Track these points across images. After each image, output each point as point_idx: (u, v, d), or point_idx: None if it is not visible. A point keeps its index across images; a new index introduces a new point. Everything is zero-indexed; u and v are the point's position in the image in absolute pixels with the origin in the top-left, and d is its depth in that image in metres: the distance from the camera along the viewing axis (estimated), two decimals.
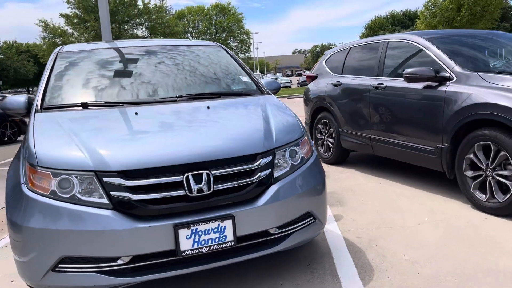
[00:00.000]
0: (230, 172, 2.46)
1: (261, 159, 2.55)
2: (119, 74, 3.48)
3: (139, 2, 31.95)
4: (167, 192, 2.33)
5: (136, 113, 2.86)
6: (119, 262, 2.30)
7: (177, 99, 3.20)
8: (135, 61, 3.67)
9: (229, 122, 2.85)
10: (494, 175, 3.59)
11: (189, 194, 2.34)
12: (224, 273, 2.85)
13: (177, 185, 2.36)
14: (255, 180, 2.50)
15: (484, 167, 3.67)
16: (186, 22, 51.78)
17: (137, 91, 3.31)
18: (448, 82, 4.03)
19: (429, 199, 4.17)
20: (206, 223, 2.34)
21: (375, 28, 50.87)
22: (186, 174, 2.36)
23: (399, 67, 4.78)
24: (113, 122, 2.78)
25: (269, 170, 2.57)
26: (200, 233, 2.34)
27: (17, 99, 3.30)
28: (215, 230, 2.37)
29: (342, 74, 5.79)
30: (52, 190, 2.32)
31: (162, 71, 3.58)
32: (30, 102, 3.29)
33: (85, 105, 3.04)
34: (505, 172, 3.49)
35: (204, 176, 2.39)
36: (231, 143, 2.57)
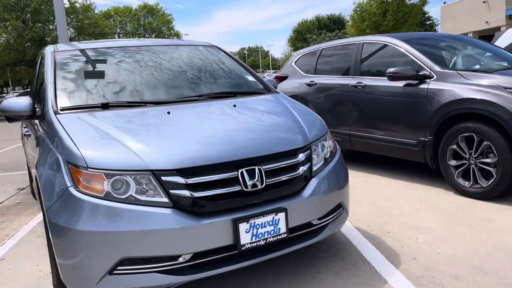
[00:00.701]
0: (277, 167, 2.55)
1: (300, 154, 2.67)
2: (129, 73, 3.41)
3: (65, 1, 30.34)
4: (224, 188, 2.37)
5: (169, 113, 2.85)
6: (180, 260, 2.31)
7: (198, 98, 3.22)
8: (140, 60, 3.61)
9: (264, 120, 2.93)
10: (478, 163, 3.99)
11: (244, 189, 2.40)
12: (258, 268, 2.92)
13: (232, 181, 2.41)
14: (299, 174, 2.61)
15: (467, 156, 4.07)
16: (113, 22, 49.99)
17: (155, 91, 3.28)
18: (429, 80, 4.39)
19: (413, 188, 4.51)
20: (263, 216, 2.42)
21: (302, 31, 52.57)
22: (240, 170, 2.42)
23: (377, 67, 5.10)
24: (150, 121, 2.75)
25: (309, 164, 2.70)
26: (257, 227, 2.41)
27: (19, 101, 3.12)
28: (270, 223, 2.45)
29: (315, 74, 6.03)
30: (106, 192, 2.27)
31: (171, 70, 3.56)
32: (33, 104, 3.14)
33: (105, 106, 2.96)
34: (488, 160, 3.90)
35: (257, 171, 2.46)
36: (274, 139, 2.66)
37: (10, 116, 3.16)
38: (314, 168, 2.73)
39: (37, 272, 3.14)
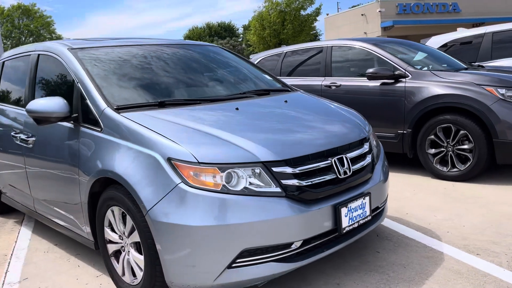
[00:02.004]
0: (356, 155, 2.75)
1: (365, 143, 2.91)
2: (166, 72, 3.33)
3: None
4: (323, 176, 2.51)
5: (237, 108, 2.88)
6: (292, 247, 2.38)
7: (242, 95, 3.26)
8: (168, 59, 3.53)
9: (324, 114, 3.10)
10: (455, 150, 4.60)
11: (338, 176, 2.56)
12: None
13: (327, 169, 2.55)
14: (369, 161, 2.85)
15: (445, 144, 4.66)
16: None
17: (200, 89, 3.25)
18: (404, 79, 4.93)
19: (398, 177, 5.00)
20: (356, 200, 2.60)
21: (193, 37, 52.59)
22: (333, 158, 2.57)
23: (351, 68, 5.54)
24: (227, 117, 2.75)
25: (371, 153, 2.94)
26: (352, 210, 2.58)
27: (53, 101, 2.89)
28: (360, 206, 2.64)
29: (280, 76, 6.30)
30: (222, 185, 2.26)
31: (201, 69, 3.55)
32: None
33: (162, 104, 2.87)
34: (465, 146, 4.52)
35: (345, 159, 2.63)
36: (347, 130, 2.86)
37: (42, 118, 2.90)
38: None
39: (83, 285, 2.91)
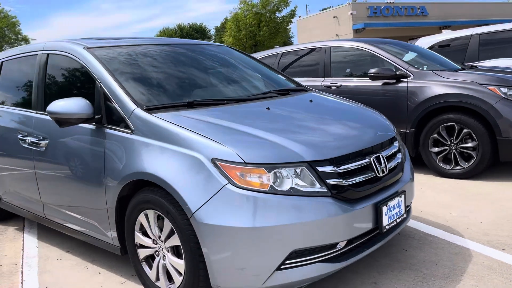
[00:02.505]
0: (390, 154, 2.77)
1: (395, 142, 2.93)
2: (188, 71, 3.26)
3: None
4: (364, 175, 2.50)
5: (268, 108, 2.84)
6: (338, 247, 2.37)
7: (265, 95, 3.23)
8: (184, 58, 3.47)
9: (352, 113, 3.10)
10: (459, 148, 4.70)
11: (377, 174, 2.56)
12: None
13: (366, 168, 2.55)
14: (400, 160, 2.87)
15: (448, 143, 4.75)
16: None
17: (226, 89, 3.20)
18: (406, 79, 5.01)
19: None
20: (393, 199, 2.61)
21: None
22: (371, 157, 2.57)
23: (352, 69, 5.58)
24: (261, 117, 2.71)
25: (401, 151, 2.97)
26: (391, 209, 2.59)
27: (78, 102, 2.78)
28: (397, 204, 2.65)
29: None
30: (270, 186, 2.23)
31: (220, 69, 3.50)
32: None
33: (191, 104, 2.81)
34: (468, 144, 4.62)
35: (382, 157, 2.64)
36: (379, 129, 2.87)
37: (64, 120, 2.79)
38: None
39: None
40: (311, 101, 3.18)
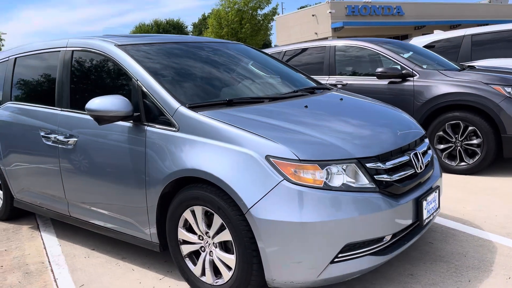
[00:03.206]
0: (424, 150, 2.88)
1: (425, 139, 3.05)
2: (219, 70, 3.30)
3: None
4: (406, 171, 2.60)
5: (306, 106, 2.91)
6: (384, 241, 2.46)
7: (295, 94, 3.30)
8: (213, 57, 3.51)
9: (383, 111, 3.20)
10: (464, 145, 4.88)
11: (416, 170, 2.67)
12: None
13: (406, 164, 2.65)
14: (431, 156, 2.99)
15: (454, 140, 4.93)
16: None
17: (260, 87, 3.25)
18: (412, 78, 5.16)
19: None
20: (430, 194, 2.72)
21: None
22: (410, 154, 2.68)
23: (357, 68, 5.71)
24: (304, 114, 2.78)
25: (430, 148, 3.09)
26: (428, 203, 2.70)
27: (118, 100, 2.77)
28: (433, 199, 2.77)
29: None
30: (325, 182, 2.30)
31: (248, 67, 3.55)
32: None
33: (230, 102, 2.85)
34: (474, 141, 4.81)
35: (419, 154, 2.75)
36: (412, 127, 2.98)
37: (104, 118, 2.79)
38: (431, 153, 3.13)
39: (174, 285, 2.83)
40: (341, 99, 3.26)
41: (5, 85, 4.11)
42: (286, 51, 6.52)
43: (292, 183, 2.27)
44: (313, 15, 35.19)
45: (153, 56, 3.18)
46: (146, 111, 2.83)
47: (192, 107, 2.70)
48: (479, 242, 3.17)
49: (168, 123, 2.70)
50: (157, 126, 2.75)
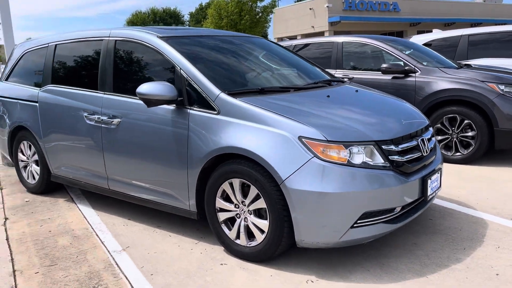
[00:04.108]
0: (428, 137, 3.33)
1: (429, 128, 3.50)
2: (249, 61, 3.71)
3: None
4: (414, 153, 3.05)
5: (328, 96, 3.34)
6: (395, 211, 2.91)
7: (317, 85, 3.73)
8: (242, 49, 3.92)
9: (394, 102, 3.63)
10: (459, 137, 5.35)
11: (423, 154, 3.12)
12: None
13: (415, 148, 3.09)
14: (435, 143, 3.44)
15: (450, 132, 5.40)
16: None
17: (285, 78, 3.67)
18: (413, 74, 5.61)
19: None
20: (434, 174, 3.17)
21: (137, 23, 51.33)
22: (418, 139, 3.12)
23: (363, 63, 6.14)
24: (328, 103, 3.21)
25: (434, 136, 3.53)
26: (431, 182, 3.15)
27: (165, 86, 3.17)
28: (436, 179, 3.22)
29: None
30: (348, 160, 2.74)
31: (273, 60, 3.96)
32: None
33: (262, 91, 3.27)
34: (469, 134, 5.28)
35: (425, 140, 3.20)
36: (418, 116, 3.43)
37: (153, 101, 3.18)
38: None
39: (188, 250, 3.25)
40: (356, 91, 3.69)
41: (45, 69, 4.48)
42: (295, 45, 6.92)
43: (320, 159, 2.70)
44: (310, 9, 35.48)
45: (191, 48, 3.58)
46: (188, 96, 3.23)
47: (231, 94, 3.11)
48: (472, 220, 3.64)
49: (209, 107, 3.11)
50: (199, 109, 3.16)
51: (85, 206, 4.32)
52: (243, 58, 3.86)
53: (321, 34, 34.72)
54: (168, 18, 53.42)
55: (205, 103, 3.14)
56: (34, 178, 4.77)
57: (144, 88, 3.18)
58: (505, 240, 3.23)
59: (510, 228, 3.43)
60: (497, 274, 2.76)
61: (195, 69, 3.25)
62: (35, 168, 4.70)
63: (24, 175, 4.89)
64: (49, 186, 4.69)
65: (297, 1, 39.99)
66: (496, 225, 3.51)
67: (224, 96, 3.08)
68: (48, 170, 4.53)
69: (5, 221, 4.02)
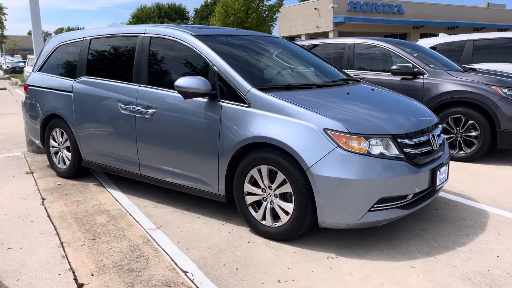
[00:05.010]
0: (438, 134, 3.66)
1: (439, 125, 3.83)
2: (275, 59, 4.03)
3: None
4: (426, 147, 3.38)
5: (348, 93, 3.67)
6: (407, 198, 3.24)
7: (336, 83, 4.05)
8: (268, 49, 4.24)
9: (406, 101, 3.96)
10: (463, 136, 5.68)
11: (433, 148, 3.45)
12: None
13: (426, 143, 3.42)
14: (443, 139, 3.77)
15: (455, 131, 5.73)
16: None
17: (309, 75, 4.01)
18: (422, 76, 5.94)
19: None
20: (442, 167, 3.50)
21: (142, 17, 51.62)
22: (429, 134, 3.45)
23: (373, 64, 6.47)
24: (348, 99, 3.53)
25: (442, 133, 3.86)
26: (440, 174, 3.48)
27: (200, 80, 3.48)
28: (444, 171, 3.55)
29: None
30: (367, 150, 3.06)
31: (295, 58, 4.29)
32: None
33: (288, 87, 3.60)
34: (472, 134, 5.61)
35: (435, 135, 3.53)
36: (429, 114, 3.75)
37: (189, 93, 3.51)
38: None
39: (216, 230, 3.58)
40: (372, 89, 4.02)
41: (80, 61, 4.80)
42: (308, 45, 7.24)
43: (343, 149, 3.03)
44: (315, 9, 35.78)
45: (222, 46, 3.90)
46: (221, 90, 3.55)
47: (261, 89, 3.43)
48: (475, 210, 3.97)
49: (241, 100, 3.43)
50: (230, 102, 3.49)
51: (115, 190, 4.65)
52: (267, 56, 4.19)
53: (325, 34, 35.07)
54: (173, 14, 53.71)
55: (236, 97, 3.46)
56: (65, 163, 5.09)
57: (182, 81, 3.50)
58: (505, 228, 3.56)
59: (510, 219, 3.76)
60: (497, 256, 3.09)
61: (227, 65, 3.57)
62: (66, 154, 5.03)
63: (55, 160, 5.22)
64: (79, 171, 5.01)
65: (302, 1, 40.25)
66: (497, 215, 3.84)
67: (255, 90, 3.40)
68: (79, 156, 4.85)
69: (42, 201, 4.34)
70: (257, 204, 3.48)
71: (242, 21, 25.71)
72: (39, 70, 5.40)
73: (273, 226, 3.36)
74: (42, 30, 6.63)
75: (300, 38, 36.96)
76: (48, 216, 3.93)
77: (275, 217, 3.37)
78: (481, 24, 37.60)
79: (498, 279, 2.77)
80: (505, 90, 5.44)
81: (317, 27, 36.03)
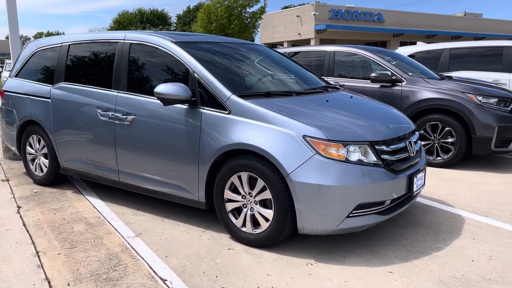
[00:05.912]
0: (415, 140, 3.72)
1: (416, 132, 3.90)
2: (255, 67, 4.05)
3: None
4: (403, 154, 3.43)
5: (327, 101, 3.71)
6: (385, 204, 3.28)
7: (314, 90, 4.10)
8: (250, 56, 4.28)
9: (384, 108, 4.02)
10: (440, 143, 5.79)
11: (410, 154, 3.51)
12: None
13: (403, 149, 3.48)
14: (419, 145, 3.84)
15: (432, 138, 5.84)
16: None
17: (289, 83, 4.04)
18: (400, 83, 6.04)
19: None
20: (419, 173, 3.56)
21: (124, 23, 51.27)
22: (407, 141, 3.52)
23: (353, 71, 6.55)
24: (327, 106, 3.57)
25: (419, 140, 3.93)
26: (417, 180, 3.54)
27: (180, 87, 3.48)
28: (420, 177, 3.61)
29: None
30: (346, 157, 3.10)
31: (275, 66, 4.32)
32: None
33: (268, 94, 3.62)
34: (449, 140, 5.73)
35: (412, 142, 3.59)
36: (406, 121, 3.82)
37: (169, 100, 3.50)
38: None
39: (196, 237, 3.56)
40: (351, 97, 4.07)
41: (58, 67, 4.75)
42: (289, 52, 7.30)
43: (322, 156, 3.06)
44: (297, 16, 36.11)
45: (203, 53, 3.90)
46: (201, 97, 3.55)
47: (241, 96, 3.45)
48: (451, 216, 4.05)
49: (221, 107, 3.44)
50: (210, 109, 3.49)
51: (93, 197, 4.59)
52: (248, 63, 4.21)
53: (307, 41, 35.39)
54: (155, 19, 53.50)
55: (217, 104, 3.47)
56: (42, 171, 5.01)
57: (161, 88, 3.49)
58: (480, 233, 3.63)
59: (484, 223, 3.85)
60: (472, 261, 3.15)
61: (207, 72, 3.58)
62: (44, 161, 4.95)
63: (32, 167, 5.13)
64: (57, 178, 4.93)
65: (284, 8, 40.60)
66: (472, 220, 3.92)
67: (235, 97, 3.42)
68: (57, 163, 4.78)
69: (18, 209, 4.26)
70: (237, 211, 3.48)
71: (225, 28, 25.78)
72: (16, 76, 5.32)
73: (253, 233, 3.36)
74: (20, 35, 6.54)
75: (283, 45, 37.25)
76: (24, 225, 3.86)
77: (255, 224, 3.38)
78: (458, 33, 38.45)
79: (473, 283, 2.83)
80: (480, 98, 5.58)
81: (299, 34, 36.34)
